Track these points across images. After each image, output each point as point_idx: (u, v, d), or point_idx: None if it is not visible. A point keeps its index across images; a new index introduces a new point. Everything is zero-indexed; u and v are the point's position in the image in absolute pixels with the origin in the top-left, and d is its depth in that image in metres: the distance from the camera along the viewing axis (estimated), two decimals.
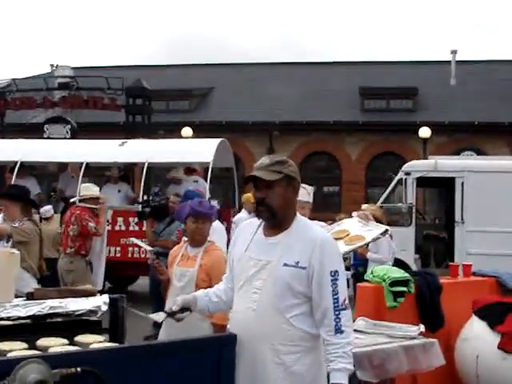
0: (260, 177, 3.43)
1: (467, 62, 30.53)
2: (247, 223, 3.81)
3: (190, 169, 13.93)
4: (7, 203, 6.62)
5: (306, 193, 5.45)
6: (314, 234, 3.46)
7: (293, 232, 3.46)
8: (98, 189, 10.10)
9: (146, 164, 13.73)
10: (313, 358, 3.40)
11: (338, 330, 3.30)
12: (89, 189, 9.81)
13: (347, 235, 6.99)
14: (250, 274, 3.43)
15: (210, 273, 5.11)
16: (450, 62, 29.70)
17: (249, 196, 13.30)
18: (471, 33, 77.85)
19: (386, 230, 7.30)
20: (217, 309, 3.73)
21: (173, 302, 3.73)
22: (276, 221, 3.48)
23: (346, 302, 3.39)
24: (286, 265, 3.36)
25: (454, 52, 29.89)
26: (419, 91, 28.27)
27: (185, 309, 3.58)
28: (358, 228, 7.17)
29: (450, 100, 27.17)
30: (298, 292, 3.36)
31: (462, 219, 14.28)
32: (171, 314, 3.54)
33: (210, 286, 4.25)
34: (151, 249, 9.03)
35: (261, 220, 3.58)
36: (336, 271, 3.36)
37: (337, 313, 3.31)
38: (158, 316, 3.61)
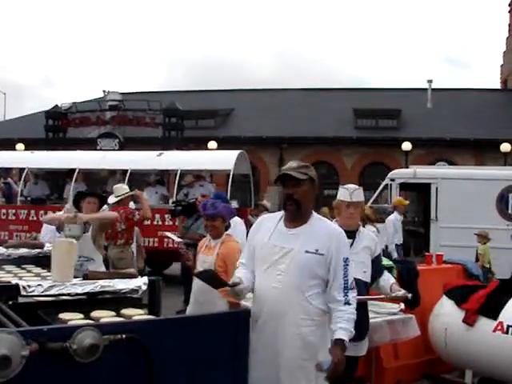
0: (291, 175, 3.38)
1: (440, 90, 30.39)
2: (267, 217, 3.74)
3: (198, 176, 13.90)
4: (95, 200, 6.79)
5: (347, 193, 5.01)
6: (330, 228, 3.48)
7: (311, 225, 3.43)
8: (127, 187, 9.55)
9: (179, 171, 13.74)
10: (322, 330, 3.38)
11: (347, 303, 3.31)
12: (122, 189, 9.48)
13: None
14: (275, 259, 3.37)
15: (225, 260, 5.06)
16: (426, 89, 29.55)
17: (400, 200, 13.17)
18: (443, 66, 78.15)
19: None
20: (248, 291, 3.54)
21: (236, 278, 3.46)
22: (299, 213, 3.43)
23: (353, 284, 3.39)
24: (307, 252, 3.33)
25: (429, 81, 29.78)
26: (402, 112, 28.17)
27: (238, 284, 3.40)
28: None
29: (427, 120, 27.01)
30: (317, 274, 3.34)
31: (436, 217, 14.20)
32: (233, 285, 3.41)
33: (226, 271, 4.28)
34: (181, 240, 9.01)
35: (281, 214, 3.53)
36: (347, 258, 3.38)
37: (346, 291, 3.32)
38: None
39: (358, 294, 3.61)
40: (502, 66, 36.85)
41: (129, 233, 8.99)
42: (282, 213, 3.55)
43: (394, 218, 12.66)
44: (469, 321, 6.07)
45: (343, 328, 3.25)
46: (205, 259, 5.21)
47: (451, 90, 31.63)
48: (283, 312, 3.30)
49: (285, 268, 3.33)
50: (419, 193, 16.59)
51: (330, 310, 3.36)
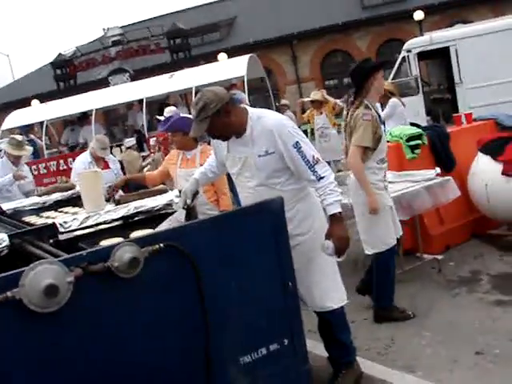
0: (195, 135, 3.57)
1: None
2: None
3: (231, 86, 13.70)
4: None
5: None
6: (269, 123, 3.46)
7: (252, 128, 3.49)
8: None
9: (194, 88, 13.60)
10: (308, 201, 3.63)
11: (319, 178, 3.41)
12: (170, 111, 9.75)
13: None
14: (239, 168, 3.59)
15: None
16: None
17: None
18: None
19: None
20: (213, 179, 4.19)
21: (183, 195, 3.76)
22: (232, 135, 3.55)
23: (316, 157, 3.43)
24: (259, 156, 3.47)
25: None
26: None
27: (194, 195, 3.78)
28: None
29: None
30: (278, 168, 3.48)
31: (461, 80, 13.87)
32: (189, 208, 3.65)
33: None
34: None
35: None
36: (296, 142, 3.41)
37: (312, 169, 3.41)
38: (181, 215, 3.57)
39: None
40: None
41: None
42: None
43: None
44: (507, 172, 6.00)
45: (330, 203, 3.40)
46: (188, 173, 5.00)
47: None
48: None
49: (249, 174, 3.54)
50: (439, 59, 16.16)
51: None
